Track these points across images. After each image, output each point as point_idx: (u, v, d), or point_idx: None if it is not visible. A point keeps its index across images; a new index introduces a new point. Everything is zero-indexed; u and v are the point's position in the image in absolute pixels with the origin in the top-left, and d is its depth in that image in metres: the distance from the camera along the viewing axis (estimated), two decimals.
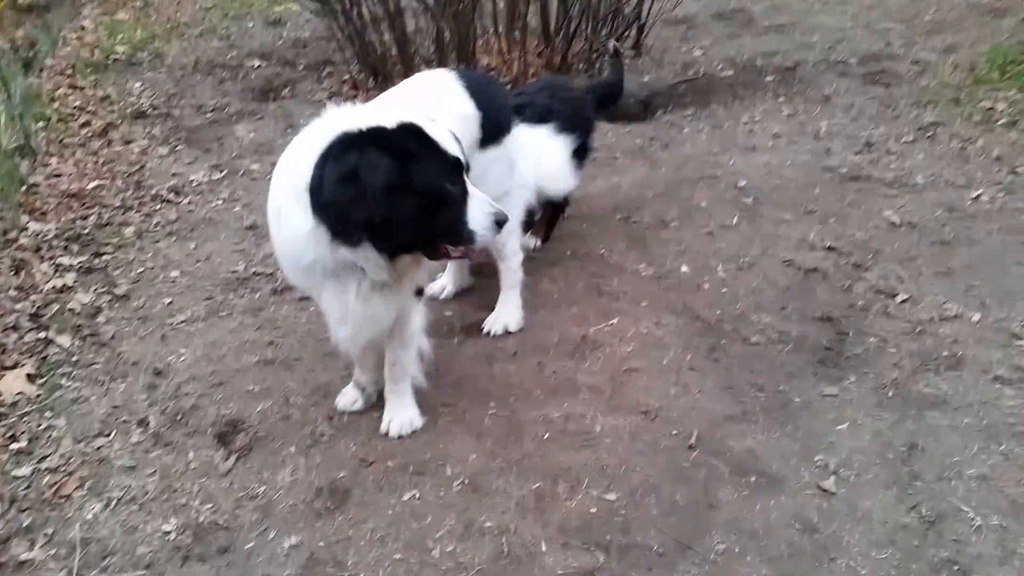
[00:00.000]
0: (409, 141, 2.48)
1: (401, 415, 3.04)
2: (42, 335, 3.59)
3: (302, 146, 2.57)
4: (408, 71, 6.29)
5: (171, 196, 4.93)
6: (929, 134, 5.30)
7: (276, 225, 2.65)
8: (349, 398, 3.16)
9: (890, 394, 3.11)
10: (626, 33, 7.02)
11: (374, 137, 2.44)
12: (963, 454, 2.81)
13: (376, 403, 3.16)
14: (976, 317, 3.50)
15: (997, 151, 4.95)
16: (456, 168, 2.56)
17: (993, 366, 3.21)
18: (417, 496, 2.75)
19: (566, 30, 6.58)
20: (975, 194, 4.49)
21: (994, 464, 2.76)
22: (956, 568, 2.41)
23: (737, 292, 3.79)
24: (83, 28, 8.00)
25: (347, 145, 2.42)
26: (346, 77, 6.60)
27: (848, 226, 4.28)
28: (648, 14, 6.98)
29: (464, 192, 2.58)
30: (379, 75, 6.44)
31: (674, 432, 2.97)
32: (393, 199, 2.41)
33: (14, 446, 3.02)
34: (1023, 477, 2.70)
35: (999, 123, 5.32)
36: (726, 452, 2.88)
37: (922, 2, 8.08)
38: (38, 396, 3.28)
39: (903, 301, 3.65)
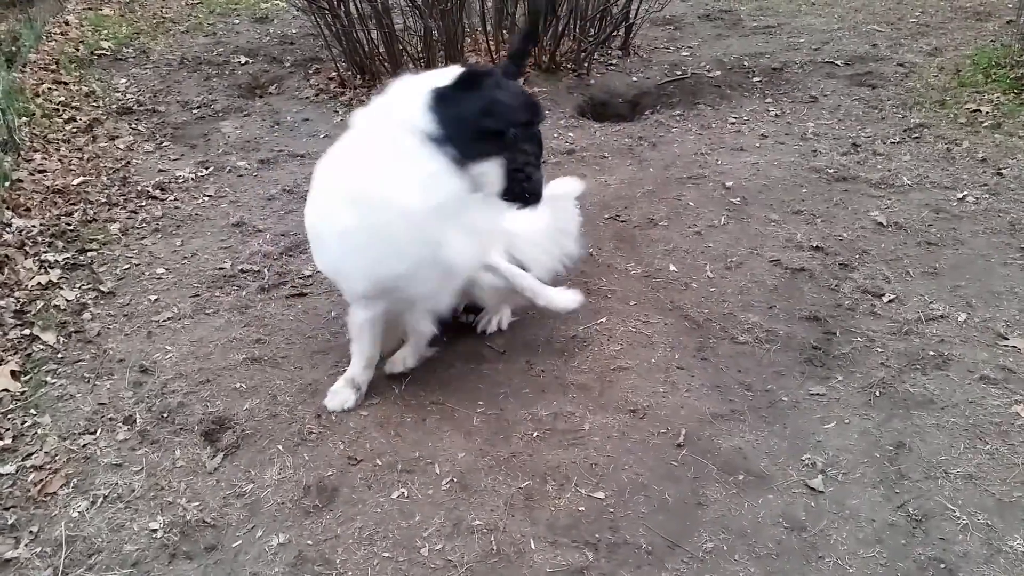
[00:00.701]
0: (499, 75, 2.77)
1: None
2: (27, 332, 3.55)
3: (379, 125, 2.74)
4: (396, 69, 6.29)
5: (157, 193, 4.89)
6: (915, 135, 5.35)
7: (381, 203, 2.64)
8: (341, 398, 3.13)
9: (877, 393, 3.13)
10: (615, 33, 7.04)
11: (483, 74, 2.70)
12: (949, 453, 2.83)
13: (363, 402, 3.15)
14: (962, 317, 3.53)
15: (982, 153, 5.00)
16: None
17: (979, 366, 3.24)
18: (406, 494, 2.74)
19: (554, 29, 6.58)
20: (961, 195, 4.52)
21: (980, 463, 2.79)
22: (942, 566, 2.43)
23: (725, 291, 3.80)
24: (67, 23, 7.93)
25: (464, 84, 2.64)
26: (333, 74, 6.58)
27: (835, 226, 4.30)
28: (636, 14, 7.00)
29: None
30: (366, 73, 6.43)
31: (663, 431, 2.98)
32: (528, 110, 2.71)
33: None
34: (1008, 476, 2.73)
35: (984, 125, 5.37)
36: (714, 451, 2.89)
37: (907, 5, 8.17)
38: (23, 393, 3.24)
39: (890, 301, 3.67)
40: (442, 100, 2.63)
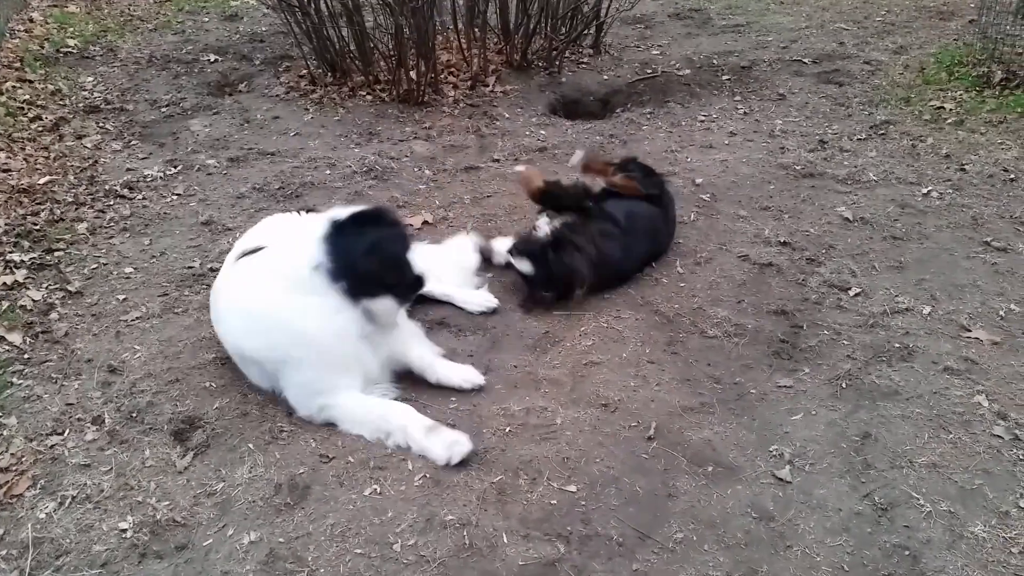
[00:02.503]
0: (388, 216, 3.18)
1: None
2: None
3: (282, 255, 3.07)
4: (367, 67, 6.28)
5: (125, 191, 4.84)
6: (881, 132, 5.43)
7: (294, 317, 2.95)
8: (455, 443, 2.86)
9: (843, 385, 3.18)
10: (585, 32, 7.07)
11: (369, 218, 3.05)
12: (914, 443, 2.89)
13: None
14: (927, 310, 3.59)
15: (946, 149, 5.09)
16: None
17: (943, 357, 3.30)
18: (378, 491, 2.74)
19: (525, 28, 6.59)
20: (925, 190, 4.60)
21: (943, 452, 2.84)
22: (907, 553, 2.48)
23: (694, 287, 3.84)
24: (32, 20, 7.81)
25: (355, 224, 2.99)
26: (304, 72, 6.55)
27: (802, 222, 4.36)
28: (607, 13, 7.03)
29: None
30: (337, 70, 6.40)
31: (633, 424, 3.00)
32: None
33: None
34: (971, 464, 2.79)
35: (948, 122, 5.47)
36: (684, 443, 2.92)
37: (873, 4, 8.28)
38: None
39: (856, 295, 3.73)
40: (348, 238, 2.97)
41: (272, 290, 2.98)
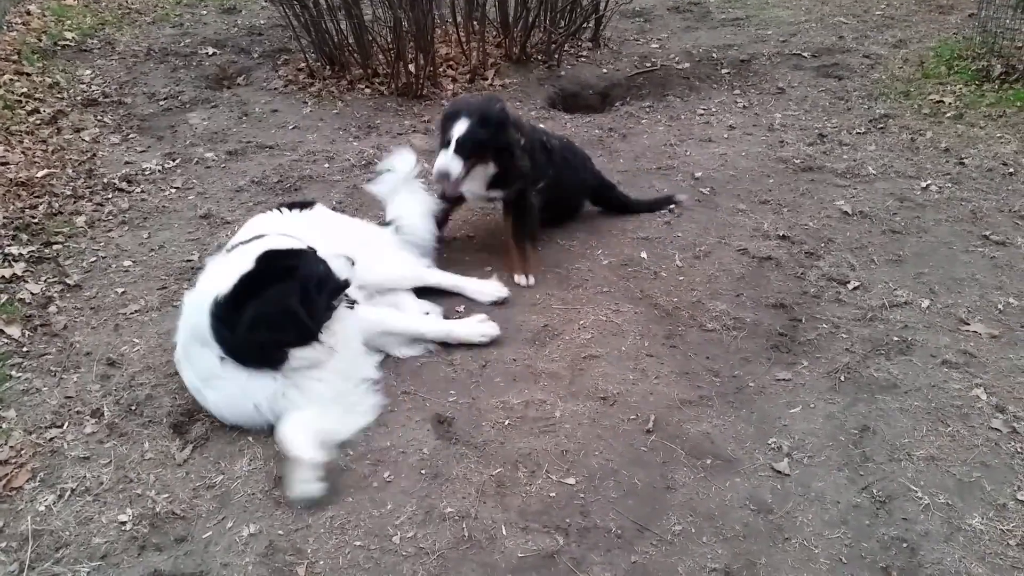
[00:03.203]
0: (280, 262, 2.88)
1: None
2: None
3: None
4: (366, 60, 6.26)
5: (123, 185, 4.84)
6: (880, 126, 5.43)
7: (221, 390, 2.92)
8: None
9: (842, 378, 3.19)
10: (585, 25, 7.06)
11: (251, 287, 2.79)
12: (912, 436, 2.89)
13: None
14: (925, 303, 3.60)
15: (945, 143, 5.09)
16: (312, 253, 2.97)
17: (941, 351, 3.30)
18: (376, 484, 2.74)
19: (524, 21, 6.59)
20: (924, 184, 4.60)
21: (941, 445, 2.85)
22: (905, 545, 2.48)
23: (694, 280, 3.84)
24: (29, 13, 7.78)
25: (233, 303, 2.77)
26: (302, 65, 6.54)
27: (801, 215, 4.36)
28: (606, 6, 7.03)
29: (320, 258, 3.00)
30: (336, 64, 6.39)
31: (632, 417, 3.01)
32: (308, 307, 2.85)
33: None
34: (968, 457, 2.79)
35: (947, 116, 5.47)
36: (683, 436, 2.92)
37: None
38: None
39: (855, 288, 3.73)
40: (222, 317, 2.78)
41: (197, 383, 2.97)
